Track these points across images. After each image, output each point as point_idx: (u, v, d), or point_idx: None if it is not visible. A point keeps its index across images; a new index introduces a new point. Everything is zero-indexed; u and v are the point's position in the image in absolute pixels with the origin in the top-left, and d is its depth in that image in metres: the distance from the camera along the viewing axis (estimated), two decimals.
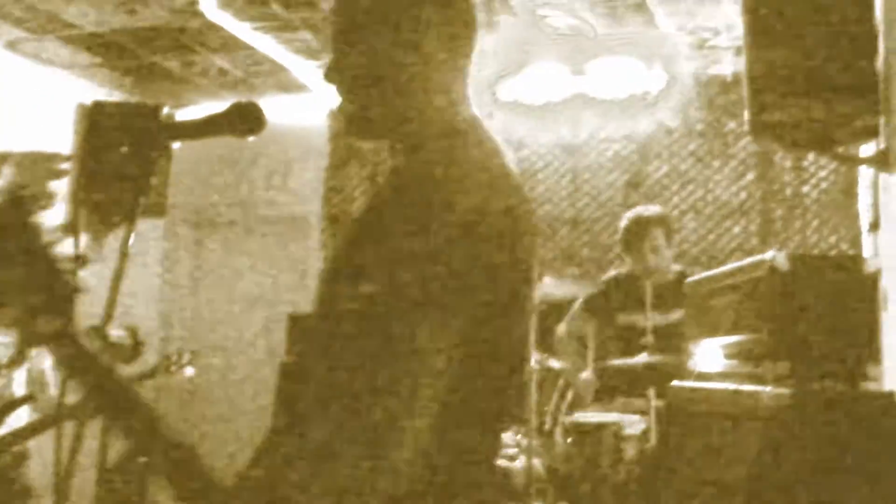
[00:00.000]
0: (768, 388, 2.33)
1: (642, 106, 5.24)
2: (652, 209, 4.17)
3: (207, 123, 1.61)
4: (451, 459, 1.22)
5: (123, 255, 1.62)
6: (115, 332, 1.56)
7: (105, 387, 1.29)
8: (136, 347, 1.58)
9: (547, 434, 3.90)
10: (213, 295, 6.07)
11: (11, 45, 4.91)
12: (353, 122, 1.42)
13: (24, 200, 1.25)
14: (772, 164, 4.97)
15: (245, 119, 1.59)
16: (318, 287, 1.34)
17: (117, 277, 1.60)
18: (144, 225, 5.14)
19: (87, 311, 1.64)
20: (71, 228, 1.92)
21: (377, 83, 1.38)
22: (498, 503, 1.35)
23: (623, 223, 4.09)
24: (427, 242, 1.16)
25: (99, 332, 1.64)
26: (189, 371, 3.36)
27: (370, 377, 1.13)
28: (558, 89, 5.24)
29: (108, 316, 1.58)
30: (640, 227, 4.00)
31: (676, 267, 4.09)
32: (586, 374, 4.04)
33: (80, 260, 1.27)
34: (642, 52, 4.97)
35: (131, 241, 1.63)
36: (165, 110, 5.67)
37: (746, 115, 2.95)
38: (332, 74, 1.41)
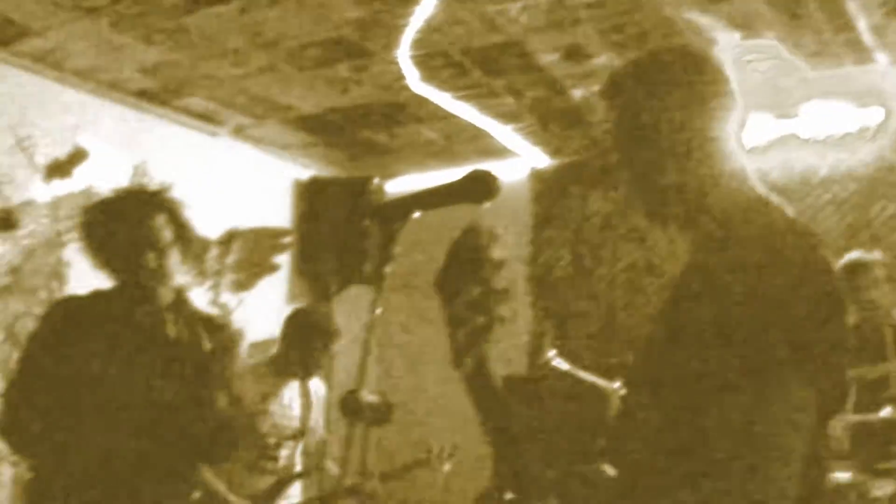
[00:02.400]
0: None
1: (860, 144, 4.97)
2: (865, 254, 3.98)
3: (446, 192, 1.67)
4: None
5: (371, 324, 1.69)
6: (368, 397, 1.63)
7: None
8: (386, 411, 1.64)
9: None
10: (426, 361, 6.19)
11: (237, 132, 5.31)
12: (650, 214, 1.48)
13: (482, 233, 1.35)
14: None
15: (481, 186, 1.64)
16: (641, 351, 1.40)
17: (367, 344, 1.68)
18: (355, 292, 5.30)
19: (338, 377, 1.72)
20: (291, 298, 1.98)
21: (663, 174, 1.42)
22: None
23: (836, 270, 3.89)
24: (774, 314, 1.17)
25: (354, 395, 1.72)
26: (447, 467, 3.47)
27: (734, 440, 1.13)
28: (765, 132, 5.07)
29: (360, 381, 1.66)
30: (855, 274, 3.82)
31: None
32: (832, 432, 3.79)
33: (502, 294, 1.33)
34: (855, 89, 4.73)
35: (377, 310, 1.71)
36: (375, 182, 5.96)
37: None
38: (621, 173, 1.48)
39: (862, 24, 3.96)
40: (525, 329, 5.49)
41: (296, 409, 3.58)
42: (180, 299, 2.78)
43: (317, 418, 3.64)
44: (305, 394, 3.62)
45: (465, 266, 1.33)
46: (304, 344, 3.59)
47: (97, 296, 2.77)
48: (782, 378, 1.14)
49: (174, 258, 2.71)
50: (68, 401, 2.58)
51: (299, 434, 3.55)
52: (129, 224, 2.68)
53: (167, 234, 2.70)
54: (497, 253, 1.32)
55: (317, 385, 3.69)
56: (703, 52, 1.49)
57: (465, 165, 5.78)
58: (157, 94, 4.74)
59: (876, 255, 4.04)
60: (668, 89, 1.41)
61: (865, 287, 3.82)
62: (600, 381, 2.67)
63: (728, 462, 1.11)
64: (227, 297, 4.86)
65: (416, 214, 1.72)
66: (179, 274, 2.74)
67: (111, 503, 2.51)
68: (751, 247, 1.27)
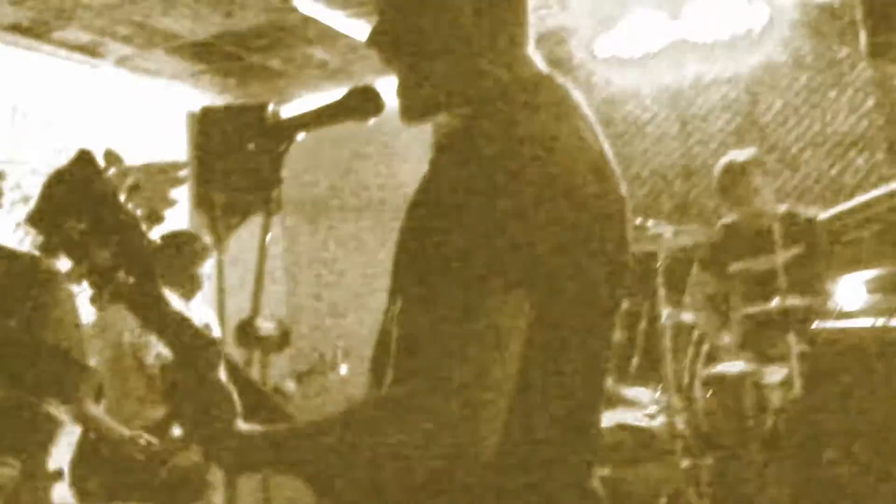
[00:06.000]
0: None
1: (746, 44, 5.06)
2: (743, 153, 4.08)
3: (329, 111, 1.64)
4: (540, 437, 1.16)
5: (262, 251, 1.67)
6: (264, 325, 1.61)
7: (187, 345, 1.25)
8: (283, 337, 1.63)
9: (686, 389, 3.84)
10: (334, 282, 6.18)
11: (121, 62, 5.10)
12: (404, 107, 1.40)
13: (93, 157, 1.23)
14: (893, 89, 4.73)
15: (364, 103, 1.62)
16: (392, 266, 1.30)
17: (259, 273, 1.66)
18: (256, 219, 5.21)
19: (235, 306, 1.70)
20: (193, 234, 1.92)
21: (420, 49, 1.32)
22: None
23: (716, 172, 4.05)
24: (487, 214, 1.06)
25: (249, 324, 1.71)
26: (343, 369, 3.47)
27: (445, 347, 1.05)
28: (656, 38, 5.12)
29: (255, 309, 1.64)
30: (734, 174, 3.94)
31: (781, 207, 3.98)
32: (725, 336, 3.88)
33: (153, 217, 1.26)
34: None
35: (268, 237, 1.68)
36: (270, 107, 5.81)
37: (863, 38, 2.82)
38: (374, 38, 1.37)
39: None
40: None
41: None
42: None
43: None
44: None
45: (67, 199, 1.20)
46: (173, 265, 3.50)
47: None
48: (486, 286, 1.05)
49: None
50: None
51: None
52: None
53: None
54: (113, 182, 1.22)
55: (201, 309, 3.62)
56: None
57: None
58: (31, 28, 4.50)
59: (746, 151, 4.12)
60: None
61: (746, 196, 3.93)
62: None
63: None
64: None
65: (301, 136, 1.69)
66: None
67: None
68: (489, 135, 1.14)
